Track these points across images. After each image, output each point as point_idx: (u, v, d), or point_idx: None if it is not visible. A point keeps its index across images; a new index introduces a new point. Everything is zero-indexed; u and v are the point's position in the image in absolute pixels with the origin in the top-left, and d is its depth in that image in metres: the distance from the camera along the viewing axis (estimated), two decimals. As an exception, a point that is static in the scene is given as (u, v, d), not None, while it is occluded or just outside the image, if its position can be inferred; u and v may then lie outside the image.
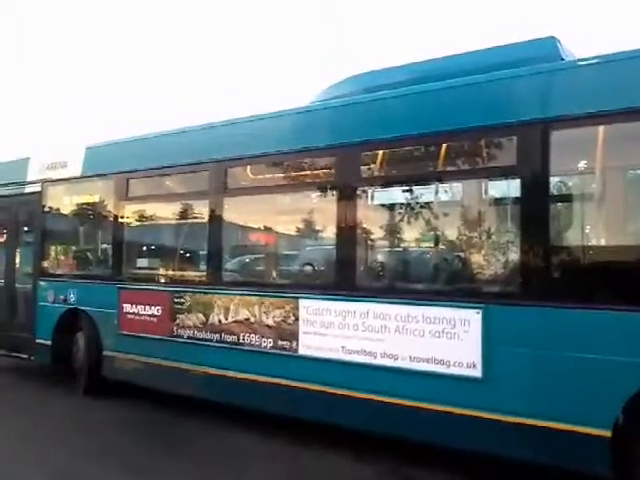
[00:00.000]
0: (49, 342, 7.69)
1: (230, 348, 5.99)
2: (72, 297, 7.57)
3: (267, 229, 7.06)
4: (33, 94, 32.87)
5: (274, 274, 6.82)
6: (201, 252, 6.86)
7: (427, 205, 5.36)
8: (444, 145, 5.16)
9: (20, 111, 31.78)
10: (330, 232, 5.79)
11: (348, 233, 5.42)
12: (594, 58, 4.55)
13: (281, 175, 6.38)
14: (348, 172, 5.51)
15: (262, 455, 5.35)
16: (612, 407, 3.98)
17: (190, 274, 7.06)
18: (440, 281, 5.34)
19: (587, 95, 4.37)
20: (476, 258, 5.29)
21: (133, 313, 6.94)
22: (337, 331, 5.28)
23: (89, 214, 8.21)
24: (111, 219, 7.54)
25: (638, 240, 4.77)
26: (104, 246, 8.01)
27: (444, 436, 4.73)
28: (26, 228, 8.93)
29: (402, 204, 5.53)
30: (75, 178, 7.88)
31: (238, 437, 5.79)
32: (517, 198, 4.68)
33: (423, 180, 5.45)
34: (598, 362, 4.05)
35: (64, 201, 8.39)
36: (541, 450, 4.28)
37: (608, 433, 3.98)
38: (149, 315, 6.78)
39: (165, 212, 7.53)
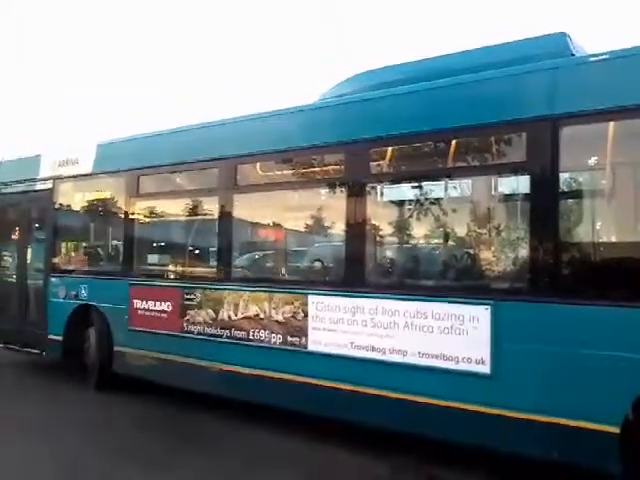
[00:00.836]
0: (60, 337, 7.76)
1: (240, 344, 6.03)
2: (83, 293, 7.64)
3: (276, 226, 7.10)
4: (33, 94, 33.05)
5: (283, 270, 6.85)
6: (211, 249, 6.89)
7: (436, 202, 5.36)
8: (453, 142, 5.16)
9: (20, 111, 31.96)
10: (339, 228, 5.81)
11: (357, 229, 5.43)
12: (604, 54, 4.54)
13: (290, 172, 6.40)
14: (357, 169, 5.52)
15: (278, 451, 5.38)
16: (621, 404, 3.98)
17: (200, 270, 7.09)
18: (449, 277, 5.34)
19: (597, 91, 4.36)
20: (485, 254, 5.28)
21: (144, 309, 6.99)
22: (346, 327, 5.30)
23: (100, 211, 8.27)
24: (122, 216, 7.60)
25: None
26: (115, 242, 8.08)
27: (454, 432, 4.74)
28: (37, 225, 9.02)
29: (411, 201, 5.54)
30: (86, 175, 7.94)
31: (253, 433, 5.82)
32: (526, 194, 4.68)
33: (432, 177, 5.46)
34: (607, 358, 4.04)
35: (75, 198, 8.46)
36: (550, 446, 4.28)
37: (617, 430, 3.99)
38: (160, 311, 6.83)
39: (175, 209, 7.57)
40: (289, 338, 5.68)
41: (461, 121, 4.92)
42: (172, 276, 7.24)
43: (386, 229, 5.87)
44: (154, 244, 7.92)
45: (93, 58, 33.40)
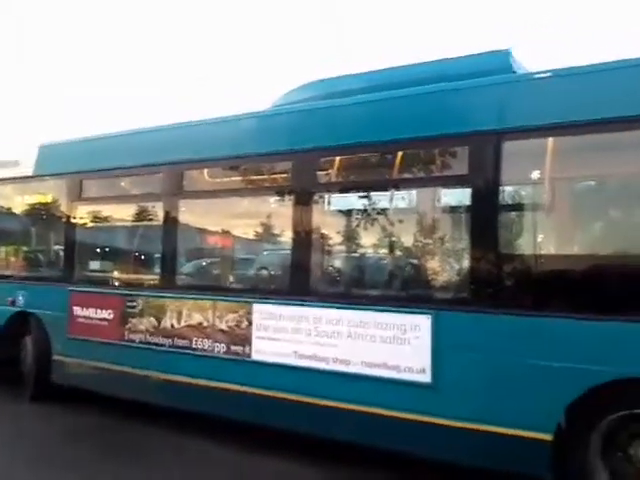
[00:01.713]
0: (-5, 346, 7.47)
1: (183, 353, 5.92)
2: (20, 299, 7.37)
3: (223, 233, 7.01)
4: (33, 94, 32.13)
5: (228, 278, 6.79)
6: (155, 255, 6.76)
7: (382, 212, 5.41)
8: (399, 153, 5.22)
9: (20, 111, 30.98)
10: (285, 237, 5.80)
11: (303, 238, 5.43)
12: (545, 72, 4.70)
13: (238, 179, 6.36)
14: (304, 178, 5.53)
15: (213, 461, 5.30)
16: (555, 412, 4.08)
17: (143, 277, 6.96)
18: (392, 287, 5.39)
19: (537, 107, 4.49)
20: (428, 265, 5.36)
21: (84, 316, 6.80)
22: (290, 336, 5.28)
23: (40, 214, 8.03)
24: (63, 220, 7.38)
25: (584, 249, 4.94)
26: (55, 247, 7.84)
27: (396, 441, 4.76)
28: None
29: (357, 210, 5.56)
30: (27, 177, 7.70)
31: (190, 443, 5.71)
32: (469, 207, 4.76)
33: (378, 187, 5.49)
34: (543, 368, 4.15)
35: (14, 201, 8.21)
36: (487, 454, 4.35)
37: (550, 437, 4.09)
38: (101, 319, 6.65)
39: (119, 214, 7.41)
40: (233, 347, 5.61)
41: (406, 133, 4.99)
42: (114, 283, 7.09)
43: (332, 238, 5.88)
44: (96, 250, 7.72)
45: (93, 58, 32.67)
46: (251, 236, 6.77)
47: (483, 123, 4.63)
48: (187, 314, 5.93)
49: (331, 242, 5.91)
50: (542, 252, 4.92)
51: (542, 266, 4.75)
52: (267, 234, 6.50)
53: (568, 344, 4.11)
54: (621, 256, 4.39)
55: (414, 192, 5.30)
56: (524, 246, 4.93)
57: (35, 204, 7.97)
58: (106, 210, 7.45)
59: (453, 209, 5.24)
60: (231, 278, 6.79)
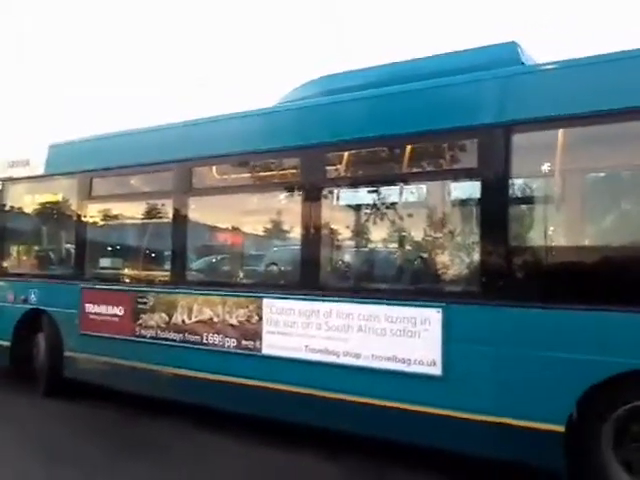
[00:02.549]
0: (8, 343, 7.52)
1: (194, 348, 5.96)
2: (33, 297, 7.44)
3: (232, 229, 7.05)
4: (33, 94, 32.33)
5: (238, 274, 6.81)
6: (165, 252, 6.80)
7: (391, 206, 5.41)
8: (408, 147, 5.23)
9: (20, 111, 31.21)
10: (295, 232, 5.81)
11: (312, 233, 5.44)
12: (553, 63, 4.68)
13: (246, 175, 6.38)
14: (313, 173, 5.54)
15: (228, 456, 5.32)
16: (566, 403, 4.08)
17: (154, 274, 6.99)
18: (402, 281, 5.41)
19: (546, 99, 4.48)
20: (438, 258, 5.36)
21: (96, 313, 6.85)
22: (301, 330, 5.30)
23: (52, 213, 8.07)
24: (74, 218, 7.43)
25: (595, 241, 4.92)
26: (67, 245, 7.88)
27: (407, 433, 4.78)
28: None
29: (366, 205, 5.58)
30: (37, 177, 7.76)
31: (204, 437, 5.74)
32: (478, 200, 4.76)
33: (387, 181, 5.50)
34: (554, 360, 4.15)
35: (26, 200, 8.25)
36: (499, 446, 4.35)
37: (562, 428, 4.09)
38: (112, 315, 6.70)
39: (129, 212, 7.46)
40: (243, 342, 5.64)
41: (415, 127, 4.99)
42: (125, 280, 7.12)
43: (341, 233, 5.90)
44: (107, 247, 7.78)
45: (93, 58, 32.84)
46: (261, 232, 6.80)
47: (492, 115, 4.62)
48: (198, 309, 5.96)
49: (340, 237, 5.93)
50: (552, 244, 4.90)
51: (552, 258, 4.75)
52: (277, 230, 6.52)
53: (579, 336, 4.11)
54: (633, 247, 4.37)
55: (423, 186, 5.31)
56: (534, 239, 4.93)
57: (46, 203, 8.02)
58: (116, 208, 7.49)
59: (463, 202, 5.23)
60: (241, 274, 6.81)
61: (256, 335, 5.55)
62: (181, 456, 5.29)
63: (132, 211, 7.37)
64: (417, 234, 5.51)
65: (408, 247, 5.65)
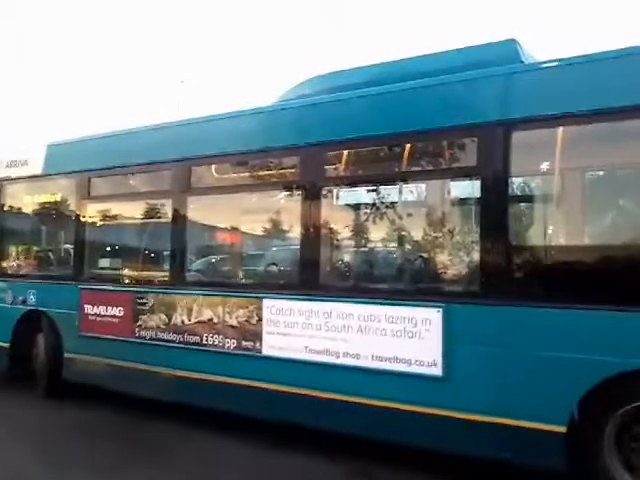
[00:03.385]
0: (7, 345, 7.49)
1: (193, 349, 5.94)
2: (32, 298, 7.41)
3: (231, 229, 7.04)
4: (33, 94, 32.39)
5: (238, 274, 6.79)
6: (164, 252, 6.77)
7: (390, 205, 5.40)
8: (407, 146, 5.20)
9: (20, 111, 31.27)
10: (294, 232, 5.80)
11: (312, 233, 5.42)
12: (553, 61, 4.64)
13: (246, 175, 6.36)
14: (312, 172, 5.51)
15: (230, 457, 5.29)
16: (568, 404, 4.06)
17: (153, 274, 6.97)
18: (402, 281, 5.37)
19: (546, 97, 4.45)
20: (438, 258, 5.35)
21: (95, 314, 6.82)
22: (301, 331, 5.28)
23: (50, 213, 8.04)
24: (73, 218, 7.40)
25: (596, 240, 4.91)
26: (66, 246, 7.86)
27: (408, 435, 4.75)
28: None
29: (365, 204, 5.58)
30: (36, 176, 7.72)
31: (205, 439, 5.71)
32: (478, 199, 4.73)
33: (386, 180, 5.49)
34: (555, 360, 4.13)
35: (24, 200, 8.21)
36: (501, 447, 4.33)
37: (563, 429, 4.07)
38: (112, 316, 6.68)
39: (128, 212, 7.43)
40: (243, 343, 5.62)
41: (414, 125, 4.96)
42: (125, 280, 7.10)
43: (340, 233, 5.87)
44: (106, 248, 7.75)
45: (93, 58, 32.93)
46: (260, 232, 6.78)
47: (492, 114, 4.59)
48: (197, 310, 5.94)
49: (340, 236, 5.90)
50: (553, 243, 4.89)
51: (553, 257, 4.74)
52: (276, 229, 6.51)
53: (580, 335, 4.09)
54: (633, 246, 4.34)
55: (423, 185, 5.29)
56: (534, 238, 4.92)
57: (45, 203, 7.99)
58: (115, 208, 7.47)
59: (462, 201, 5.22)
60: (241, 274, 6.79)
61: (256, 336, 5.53)
62: (182, 458, 5.27)
63: (131, 211, 7.35)
64: (417, 233, 5.49)
65: (408, 246, 5.63)
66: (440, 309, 4.58)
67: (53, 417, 6.58)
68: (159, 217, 6.91)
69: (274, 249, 6.83)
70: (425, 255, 5.46)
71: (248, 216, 6.76)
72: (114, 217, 7.55)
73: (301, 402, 5.22)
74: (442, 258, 5.28)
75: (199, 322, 5.93)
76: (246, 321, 5.60)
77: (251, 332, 5.56)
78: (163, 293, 6.31)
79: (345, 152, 5.52)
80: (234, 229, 6.98)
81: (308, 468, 5.02)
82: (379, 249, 5.85)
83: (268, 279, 6.34)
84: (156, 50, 33.83)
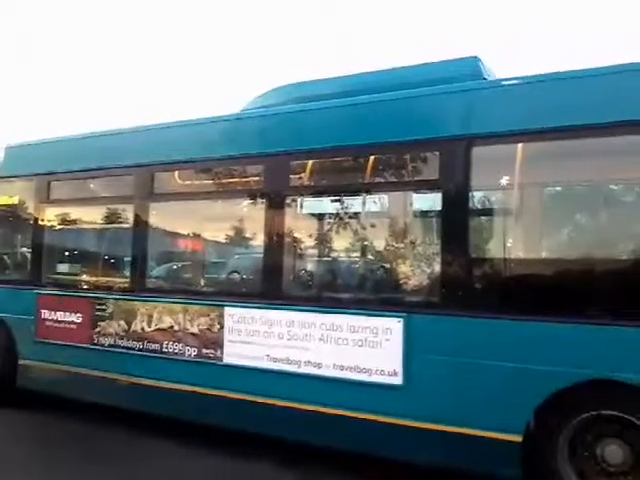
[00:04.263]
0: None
1: (153, 356, 5.87)
2: None
3: (194, 236, 6.99)
4: (33, 94, 31.57)
5: (200, 282, 6.75)
6: (125, 258, 6.68)
7: (353, 215, 5.46)
8: (371, 157, 5.26)
9: (20, 110, 30.40)
10: (257, 240, 5.81)
11: (275, 242, 5.43)
12: (514, 79, 4.77)
13: (209, 182, 6.33)
14: (276, 181, 5.53)
15: (184, 465, 5.25)
16: (525, 413, 4.15)
17: (113, 280, 6.87)
18: (364, 290, 5.42)
19: (507, 114, 4.57)
20: (399, 268, 5.41)
21: (53, 320, 6.68)
22: (262, 339, 5.28)
23: (7, 216, 7.86)
24: (31, 222, 7.24)
25: (553, 254, 5.05)
26: (22, 250, 7.69)
27: (368, 444, 4.79)
28: None
29: (329, 214, 5.62)
30: (-7, 179, 7.55)
31: (160, 447, 5.64)
32: (439, 211, 4.81)
33: (350, 191, 5.55)
34: (512, 370, 4.22)
35: (-20, 202, 8.02)
36: (459, 455, 4.41)
37: (519, 438, 4.16)
38: (70, 322, 6.55)
39: (88, 216, 7.32)
40: (204, 350, 5.58)
41: (377, 138, 5.03)
42: (83, 286, 6.97)
43: (304, 242, 5.90)
44: (65, 253, 7.59)
45: (93, 58, 32.21)
46: (223, 239, 6.75)
47: (453, 128, 4.69)
48: (158, 317, 5.88)
49: (303, 245, 5.93)
50: (511, 256, 4.99)
51: (511, 270, 4.85)
52: (239, 237, 6.49)
53: (537, 347, 4.19)
54: (588, 260, 4.48)
55: (386, 196, 5.35)
56: (494, 250, 5.02)
57: (2, 206, 7.80)
58: (75, 212, 7.34)
59: (424, 213, 5.31)
60: (203, 281, 6.76)
61: (217, 344, 5.50)
62: (134, 466, 5.19)
63: (91, 216, 7.24)
64: (379, 244, 5.55)
65: (370, 257, 5.69)
66: (401, 319, 4.63)
67: (4, 426, 6.40)
68: (120, 222, 6.82)
69: (237, 257, 6.82)
70: (387, 265, 5.52)
71: (211, 223, 6.72)
72: (74, 222, 7.42)
73: (261, 411, 5.21)
74: (403, 269, 5.35)
75: (159, 329, 5.87)
76: (207, 329, 5.57)
77: (212, 340, 5.53)
78: (123, 299, 6.23)
79: (309, 162, 5.56)
80: (197, 236, 6.94)
81: (260, 474, 5.03)
82: (342, 259, 5.88)
83: (230, 287, 6.33)
84: (156, 50, 33.38)
